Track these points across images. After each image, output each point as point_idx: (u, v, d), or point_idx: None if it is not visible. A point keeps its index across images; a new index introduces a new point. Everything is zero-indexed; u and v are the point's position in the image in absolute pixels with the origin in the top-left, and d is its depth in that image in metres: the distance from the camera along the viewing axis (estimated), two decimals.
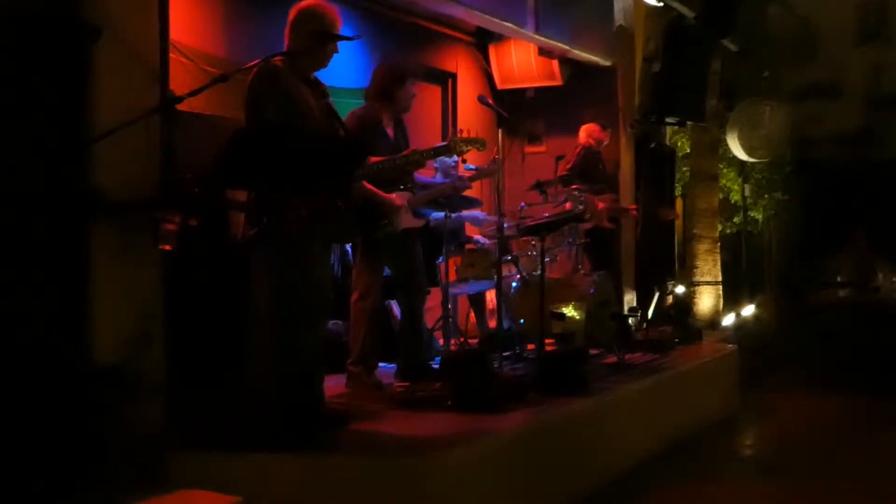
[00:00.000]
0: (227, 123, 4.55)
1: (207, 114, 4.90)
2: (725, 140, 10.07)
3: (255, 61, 3.71)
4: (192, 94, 3.50)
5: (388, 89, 4.97)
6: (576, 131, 7.43)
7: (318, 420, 3.72)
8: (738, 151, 9.77)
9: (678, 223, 9.56)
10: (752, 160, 9.97)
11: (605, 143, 7.41)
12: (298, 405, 3.66)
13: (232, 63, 4.94)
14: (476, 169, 5.81)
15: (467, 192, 5.65)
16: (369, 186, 4.78)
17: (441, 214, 5.37)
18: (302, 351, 3.69)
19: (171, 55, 4.80)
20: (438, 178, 5.88)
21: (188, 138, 4.09)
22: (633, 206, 7.72)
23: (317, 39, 3.86)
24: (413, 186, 5.08)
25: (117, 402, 3.35)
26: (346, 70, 5.94)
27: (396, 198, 4.91)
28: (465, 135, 4.96)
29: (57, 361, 3.26)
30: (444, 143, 5.03)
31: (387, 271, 5.22)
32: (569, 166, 7.01)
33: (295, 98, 3.75)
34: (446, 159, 5.80)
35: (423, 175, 5.44)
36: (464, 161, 5.35)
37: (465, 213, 6.37)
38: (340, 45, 3.95)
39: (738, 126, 9.61)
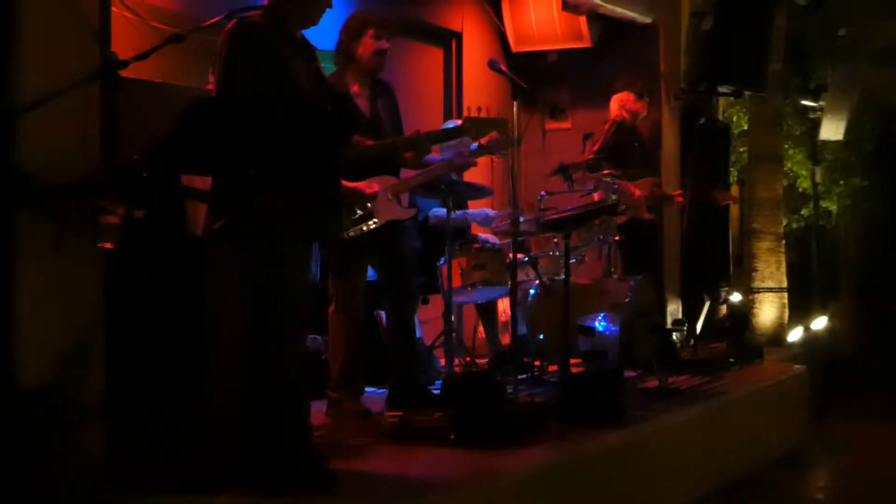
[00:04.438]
0: (182, 92, 4.58)
1: (158, 81, 4.92)
2: (791, 114, 10.08)
3: (218, 17, 3.70)
4: (140, 57, 3.50)
5: (343, 47, 4.96)
6: (607, 103, 7.44)
7: (306, 458, 3.72)
8: (837, 133, 9.73)
9: (734, 214, 9.57)
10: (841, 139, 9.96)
11: (643, 115, 7.42)
12: (277, 438, 3.67)
13: (188, 19, 4.96)
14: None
15: (473, 178, 5.64)
16: None
17: (441, 210, 5.38)
18: (278, 371, 3.69)
19: (114, 9, 4.83)
20: (446, 157, 5.87)
21: (135, 110, 4.12)
22: (679, 192, 7.72)
23: None
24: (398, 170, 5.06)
25: (46, 433, 3.36)
26: (330, 29, 5.95)
27: (366, 186, 4.85)
28: (482, 114, 4.95)
29: None
30: (457, 125, 5.01)
31: (372, 274, 5.22)
32: (596, 147, 7.01)
33: (278, 60, 3.74)
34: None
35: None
36: (480, 146, 5.32)
37: (470, 210, 6.39)
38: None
39: (844, 102, 9.57)
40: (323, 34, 4.51)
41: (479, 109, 5.00)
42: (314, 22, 3.96)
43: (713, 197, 8.14)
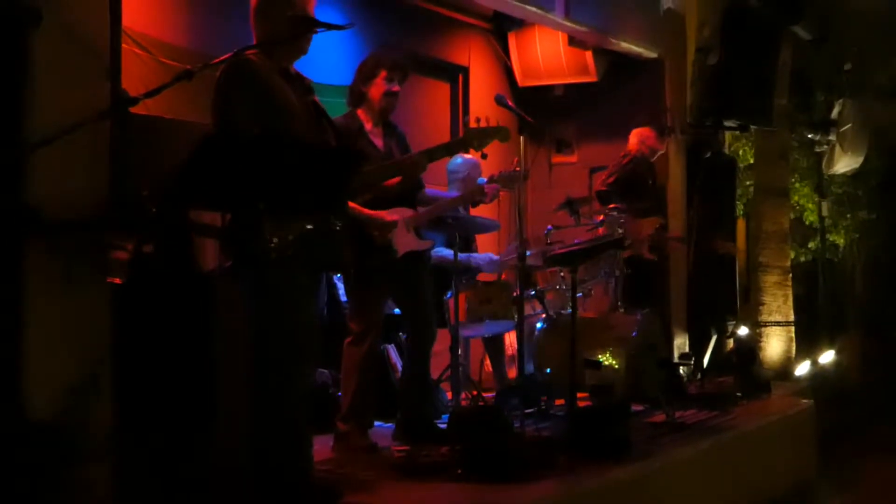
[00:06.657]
0: (191, 129, 4.60)
1: (168, 118, 4.96)
2: (797, 148, 10.09)
3: (227, 55, 3.75)
4: (150, 94, 3.53)
5: (356, 88, 5.05)
6: (613, 137, 7.46)
7: (307, 491, 3.72)
8: (853, 164, 9.74)
9: (740, 248, 9.56)
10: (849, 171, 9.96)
11: (661, 152, 7.42)
12: (282, 472, 3.67)
13: (198, 56, 4.99)
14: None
15: (480, 212, 5.66)
16: (352, 204, 4.78)
17: (447, 251, 5.38)
18: (286, 406, 3.70)
19: (124, 45, 4.86)
20: (452, 193, 5.89)
21: (144, 147, 4.14)
22: (678, 235, 7.72)
23: (295, 25, 3.89)
24: (417, 203, 5.11)
25: (54, 468, 3.36)
26: (337, 63, 6.01)
27: (387, 214, 4.91)
28: (482, 124, 4.98)
29: None
30: (458, 138, 5.05)
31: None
32: (612, 179, 6.99)
33: (274, 96, 3.80)
34: (466, 161, 5.80)
35: (433, 188, 5.45)
36: (483, 157, 5.35)
37: (475, 254, 6.41)
38: (331, 35, 3.99)
39: (864, 134, 9.59)
40: (326, 68, 4.55)
41: (479, 120, 5.00)
42: (303, 51, 4.02)
43: (713, 245, 8.13)
